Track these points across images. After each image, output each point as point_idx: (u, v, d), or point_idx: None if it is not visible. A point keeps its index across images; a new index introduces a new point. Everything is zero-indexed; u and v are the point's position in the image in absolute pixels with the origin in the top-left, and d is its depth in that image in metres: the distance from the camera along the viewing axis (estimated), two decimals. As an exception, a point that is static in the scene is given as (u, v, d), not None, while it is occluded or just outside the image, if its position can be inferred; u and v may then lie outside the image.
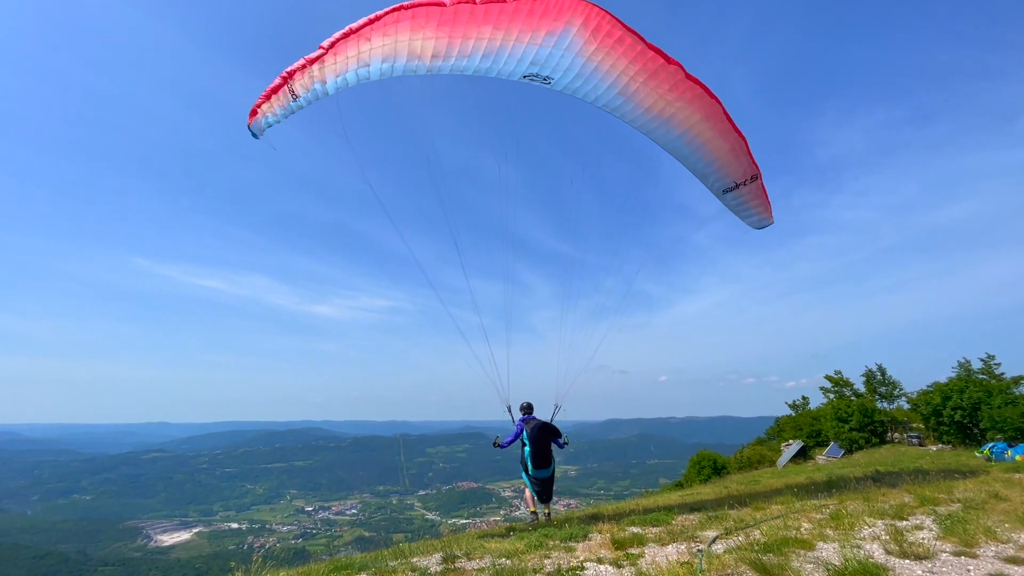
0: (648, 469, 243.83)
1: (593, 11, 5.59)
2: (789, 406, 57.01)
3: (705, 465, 45.01)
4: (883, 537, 8.35)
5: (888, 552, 7.45)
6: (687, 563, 7.35)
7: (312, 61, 6.41)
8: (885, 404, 43.66)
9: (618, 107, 6.64)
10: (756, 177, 7.56)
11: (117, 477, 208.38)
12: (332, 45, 6.10)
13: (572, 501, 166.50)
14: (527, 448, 8.90)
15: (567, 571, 7.54)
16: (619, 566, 7.77)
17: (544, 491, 9.51)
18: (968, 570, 6.65)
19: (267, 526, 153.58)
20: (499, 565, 8.26)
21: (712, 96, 6.49)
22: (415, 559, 9.64)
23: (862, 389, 46.19)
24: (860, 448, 37.76)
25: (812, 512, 11.41)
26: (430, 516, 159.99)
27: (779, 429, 54.40)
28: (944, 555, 7.27)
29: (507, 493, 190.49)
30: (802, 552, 7.59)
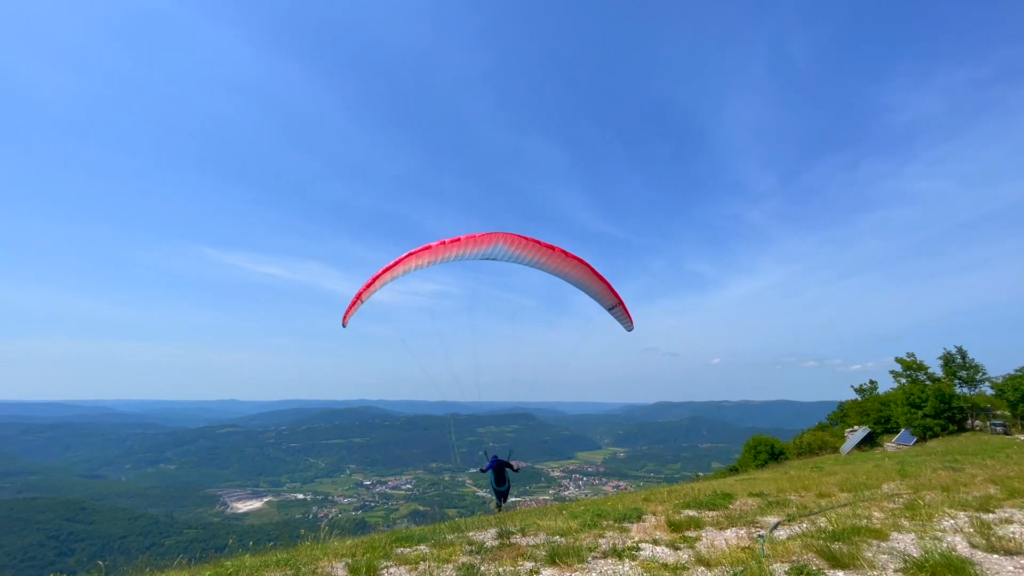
0: (700, 453, 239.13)
1: (508, 235, 10.81)
2: (855, 390, 53.95)
3: (761, 450, 43.52)
4: (967, 530, 7.78)
5: (973, 546, 6.93)
6: (748, 548, 7.15)
7: (368, 285, 11.41)
8: (965, 389, 40.43)
9: (535, 268, 11.78)
10: (619, 304, 12.40)
11: (196, 449, 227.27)
12: (374, 280, 11.29)
13: (621, 483, 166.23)
14: (492, 475, 13.06)
15: (623, 551, 7.52)
16: (676, 548, 7.67)
17: (501, 498, 13.13)
18: (1068, 568, 6.09)
19: (329, 498, 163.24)
20: (553, 542, 8.37)
21: (584, 262, 11.35)
22: (471, 533, 9.95)
23: (939, 373, 42.93)
24: (935, 436, 35.26)
25: (883, 501, 10.80)
26: (481, 493, 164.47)
27: (843, 414, 51.70)
28: (1039, 551, 6.68)
29: (556, 473, 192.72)
30: (875, 542, 7.19)
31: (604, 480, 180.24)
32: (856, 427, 42.62)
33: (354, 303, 11.38)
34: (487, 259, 10.83)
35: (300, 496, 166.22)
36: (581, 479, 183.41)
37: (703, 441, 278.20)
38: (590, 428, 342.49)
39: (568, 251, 10.79)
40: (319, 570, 7.54)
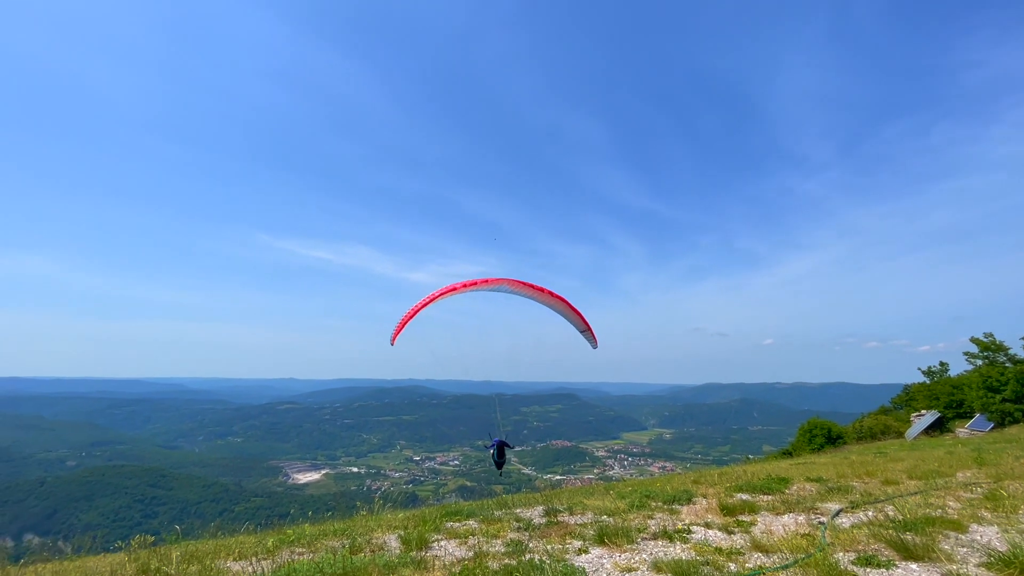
0: (750, 435, 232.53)
1: (512, 280, 13.62)
2: (923, 372, 50.51)
3: (817, 434, 41.68)
4: (1059, 524, 7.12)
5: (1067, 541, 6.33)
6: (808, 535, 6.84)
7: (413, 314, 13.40)
8: (1052, 372, 36.95)
9: (530, 300, 14.64)
10: (588, 330, 15.07)
11: (260, 424, 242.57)
12: (416, 310, 13.36)
13: (668, 464, 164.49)
14: (494, 451, 15.09)
15: (673, 533, 7.38)
16: (729, 532, 7.45)
17: (498, 467, 15.27)
18: None
19: (382, 471, 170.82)
20: (601, 522, 8.33)
21: (564, 299, 14.28)
22: (519, 510, 10.07)
23: (1021, 355, 39.43)
24: (1015, 422, 32.59)
25: (959, 490, 10.07)
26: (526, 471, 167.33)
27: (908, 398, 48.65)
28: None
29: (600, 453, 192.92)
30: (952, 534, 6.70)
31: (650, 461, 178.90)
32: (924, 411, 40.00)
33: (401, 327, 13.22)
34: (497, 292, 14.07)
35: (355, 469, 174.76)
36: (626, 459, 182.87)
37: (754, 424, 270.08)
38: (635, 409, 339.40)
39: (553, 291, 14.21)
40: (373, 540, 7.85)
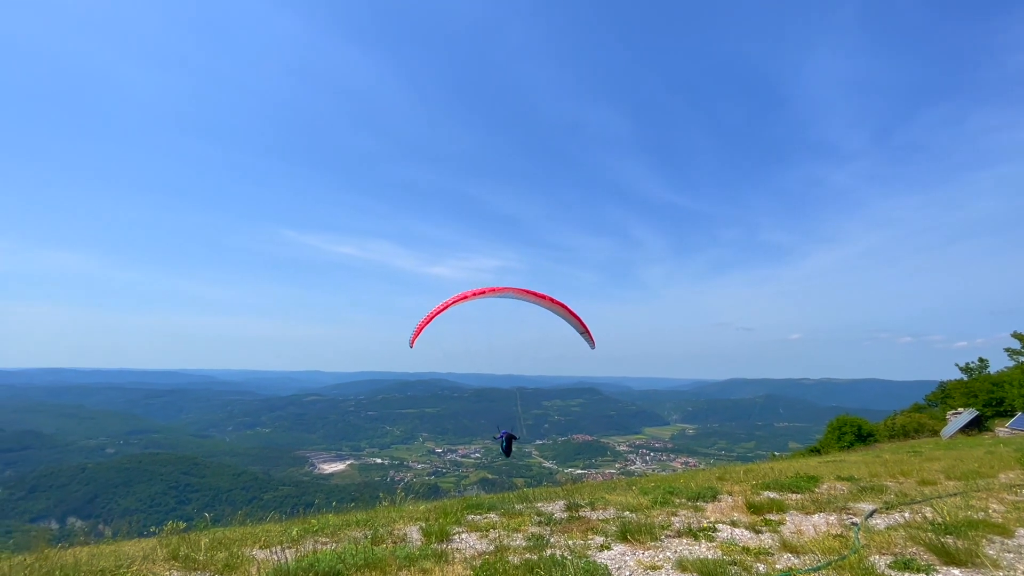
0: (776, 432, 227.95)
1: (517, 288, 14.55)
2: (960, 368, 48.54)
3: (847, 431, 40.56)
4: (1114, 530, 6.71)
5: (1125, 549, 5.95)
6: (841, 536, 6.59)
7: (429, 319, 14.14)
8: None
9: (534, 305, 15.53)
10: (586, 332, 15.94)
11: (287, 415, 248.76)
12: (431, 316, 14.11)
13: (691, 459, 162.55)
14: (503, 441, 16.90)
15: (698, 531, 7.21)
16: (757, 531, 7.25)
17: (505, 453, 17.22)
18: None
19: (404, 463, 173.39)
20: (624, 518, 8.21)
21: (564, 304, 15.36)
22: (540, 504, 10.02)
23: (1068, 351, 37.55)
24: (1063, 421, 31.03)
25: (1002, 492, 9.61)
26: (547, 464, 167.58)
27: (944, 395, 46.86)
28: None
29: (622, 447, 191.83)
30: (996, 538, 6.37)
31: (672, 456, 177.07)
32: (961, 409, 38.46)
33: (418, 331, 14.21)
34: (505, 299, 15.33)
35: (378, 460, 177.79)
36: (648, 454, 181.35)
37: (779, 420, 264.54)
38: (657, 404, 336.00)
39: (554, 298, 15.29)
40: (395, 532, 7.90)
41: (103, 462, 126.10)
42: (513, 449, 17.48)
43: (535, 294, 14.81)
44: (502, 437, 16.85)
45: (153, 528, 9.17)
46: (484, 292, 14.07)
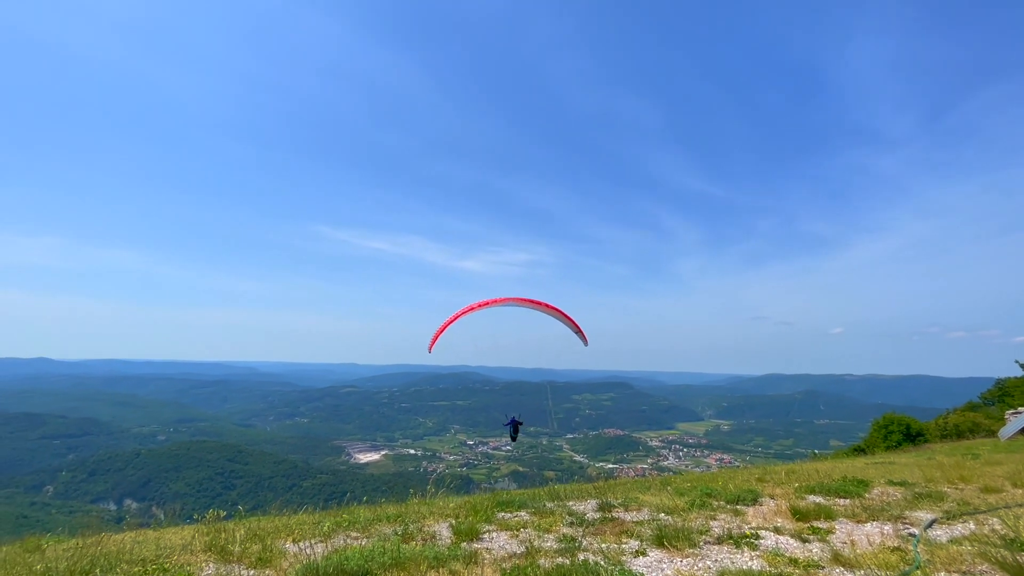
0: (816, 429, 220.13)
1: (520, 299, 16.00)
2: (1020, 365, 45.33)
3: (894, 430, 38.45)
4: None
5: None
6: (898, 549, 6.11)
7: (446, 326, 15.35)
8: None
9: (534, 311, 16.70)
10: (580, 332, 17.29)
11: (324, 406, 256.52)
12: (448, 323, 15.30)
13: (725, 456, 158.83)
14: (510, 428, 18.03)
15: (739, 538, 6.83)
16: (804, 540, 6.81)
17: (512, 439, 18.46)
18: None
19: (437, 454, 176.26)
20: (659, 520, 7.90)
21: (558, 308, 16.69)
22: (571, 503, 9.78)
23: None
24: None
25: (1079, 503, 8.78)
26: (578, 458, 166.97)
27: (1002, 393, 43.89)
28: None
29: (654, 443, 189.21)
30: (1079, 557, 5.76)
31: (706, 452, 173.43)
32: (1021, 409, 35.92)
33: (436, 336, 15.52)
34: (509, 307, 16.69)
35: (412, 451, 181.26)
36: (681, 450, 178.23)
37: (820, 417, 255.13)
38: (690, 399, 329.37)
39: (549, 303, 16.67)
40: (425, 528, 7.84)
41: (155, 448, 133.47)
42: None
43: (534, 302, 16.75)
44: (510, 423, 18.24)
45: (196, 515, 9.46)
46: (489, 303, 15.99)
